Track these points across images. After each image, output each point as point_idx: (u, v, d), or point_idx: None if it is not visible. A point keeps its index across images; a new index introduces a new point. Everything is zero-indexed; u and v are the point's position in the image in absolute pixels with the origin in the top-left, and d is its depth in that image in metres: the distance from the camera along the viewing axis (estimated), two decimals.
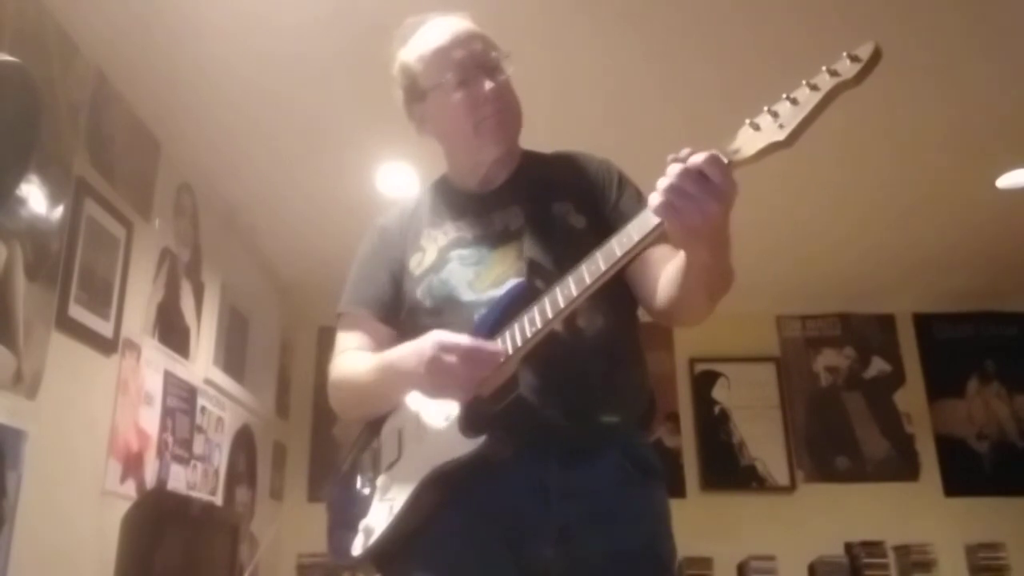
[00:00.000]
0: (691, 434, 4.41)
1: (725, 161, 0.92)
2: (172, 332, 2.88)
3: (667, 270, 1.14)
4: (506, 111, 1.30)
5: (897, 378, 4.51)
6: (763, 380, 4.48)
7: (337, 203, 3.24)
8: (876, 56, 0.85)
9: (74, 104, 2.27)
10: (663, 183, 0.94)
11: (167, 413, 2.79)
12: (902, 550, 4.01)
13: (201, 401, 3.12)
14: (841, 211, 3.48)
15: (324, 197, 3.26)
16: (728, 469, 4.35)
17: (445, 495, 1.13)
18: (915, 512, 4.18)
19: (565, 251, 1.15)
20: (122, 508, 2.37)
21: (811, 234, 3.69)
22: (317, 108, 2.70)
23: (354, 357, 1.30)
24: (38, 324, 2.05)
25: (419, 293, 1.27)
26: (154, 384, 2.72)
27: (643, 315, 1.29)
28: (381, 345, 1.27)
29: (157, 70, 2.46)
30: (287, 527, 4.01)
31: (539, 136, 1.38)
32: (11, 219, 1.95)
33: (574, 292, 1.04)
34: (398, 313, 1.31)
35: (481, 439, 1.08)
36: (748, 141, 0.92)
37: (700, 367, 4.51)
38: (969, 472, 4.32)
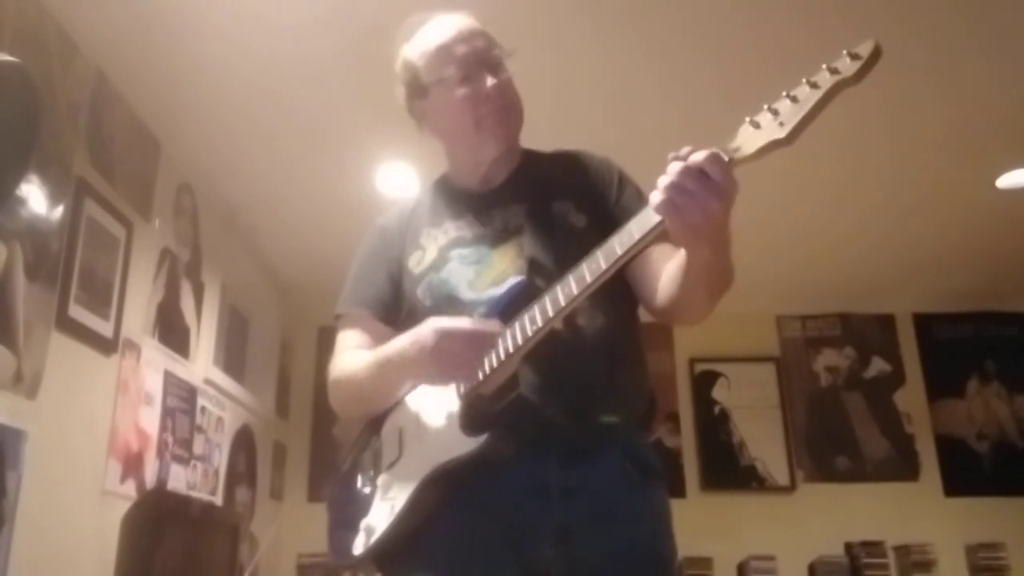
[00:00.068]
0: (691, 434, 4.42)
1: (726, 159, 0.92)
2: (172, 332, 2.88)
3: (668, 269, 1.14)
4: (508, 108, 1.30)
5: (897, 378, 4.51)
6: (763, 380, 4.48)
7: (337, 203, 3.24)
8: (876, 54, 0.85)
9: (74, 104, 2.27)
10: (664, 181, 0.94)
11: (167, 413, 2.79)
12: (902, 550, 4.01)
13: (201, 401, 3.11)
14: (841, 211, 3.48)
15: (324, 197, 3.26)
16: (728, 469, 4.35)
17: (446, 494, 1.13)
18: (915, 512, 4.18)
19: (565, 250, 1.15)
20: (122, 508, 2.37)
21: (811, 233, 3.69)
22: (317, 108, 2.70)
23: (353, 355, 1.30)
24: (38, 324, 2.05)
25: (419, 292, 1.27)
26: (154, 384, 2.72)
27: (643, 314, 1.29)
28: (381, 345, 1.27)
29: (157, 70, 2.46)
30: (287, 527, 4.01)
31: (539, 136, 1.38)
32: (11, 219, 1.95)
33: (575, 290, 1.04)
34: (398, 313, 1.31)
35: (482, 438, 1.08)
36: (748, 139, 0.92)
37: (700, 367, 4.52)
38: (969, 472, 4.32)
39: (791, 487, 4.29)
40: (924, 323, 4.59)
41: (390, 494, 1.17)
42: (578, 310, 1.14)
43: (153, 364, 2.70)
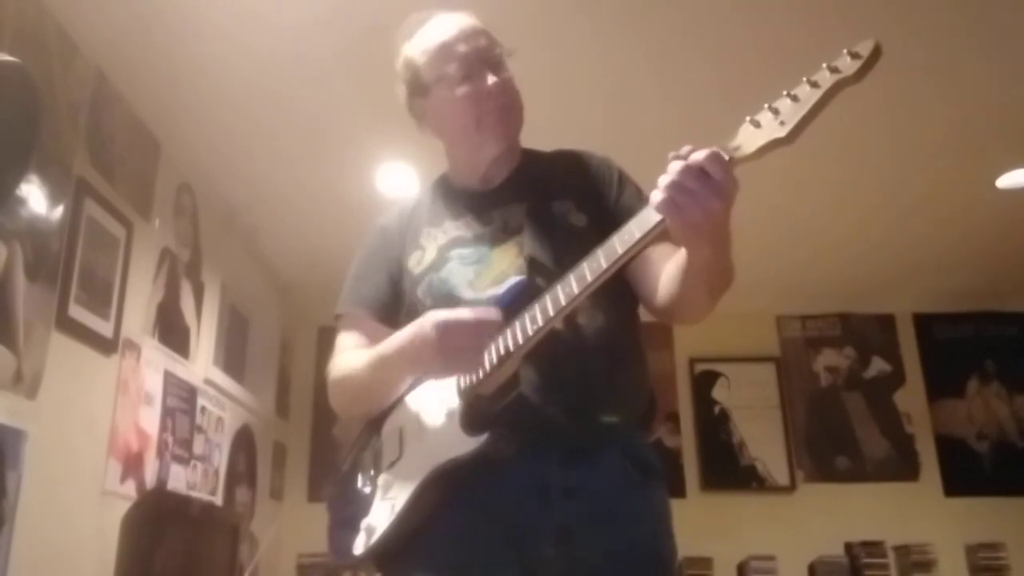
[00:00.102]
0: (691, 434, 4.42)
1: (726, 158, 0.92)
2: (172, 332, 2.88)
3: (668, 268, 1.14)
4: (508, 107, 1.30)
5: (897, 378, 4.52)
6: (763, 380, 4.48)
7: (337, 203, 3.24)
8: (876, 53, 0.86)
9: (74, 104, 2.27)
10: (665, 180, 0.94)
11: (167, 413, 2.79)
12: (902, 550, 4.01)
13: (201, 401, 3.11)
14: (841, 210, 3.48)
15: (324, 197, 3.26)
16: (728, 469, 4.35)
17: (447, 494, 1.12)
18: (915, 512, 4.18)
19: (565, 249, 1.15)
20: (122, 508, 2.37)
21: (811, 233, 3.69)
22: (317, 108, 2.70)
23: (353, 355, 1.29)
24: (38, 324, 2.05)
25: (419, 292, 1.27)
26: (154, 384, 2.72)
27: (644, 314, 1.29)
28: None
29: (157, 70, 2.47)
30: (287, 527, 4.01)
31: (539, 136, 1.38)
32: (11, 219, 1.95)
33: (575, 290, 1.03)
34: (397, 313, 1.31)
35: (483, 437, 1.08)
36: (749, 138, 0.92)
37: (700, 367, 4.52)
38: (969, 472, 4.32)
39: (791, 487, 4.29)
40: (924, 323, 4.59)
41: (390, 494, 1.17)
42: (579, 309, 1.14)
43: (153, 364, 2.70)
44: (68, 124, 2.23)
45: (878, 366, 4.54)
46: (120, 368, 2.46)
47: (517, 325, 1.08)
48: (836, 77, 0.87)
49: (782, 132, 0.89)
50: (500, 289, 1.16)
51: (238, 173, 3.10)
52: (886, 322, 4.61)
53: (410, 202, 1.42)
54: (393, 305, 1.32)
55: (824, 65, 0.88)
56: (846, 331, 4.61)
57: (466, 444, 1.09)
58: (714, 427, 4.43)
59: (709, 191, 0.92)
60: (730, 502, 4.25)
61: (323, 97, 2.64)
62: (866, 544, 4.00)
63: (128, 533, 2.32)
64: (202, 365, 3.14)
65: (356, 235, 1.45)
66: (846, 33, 0.92)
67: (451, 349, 1.07)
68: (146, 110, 2.65)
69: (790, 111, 0.89)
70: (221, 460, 3.33)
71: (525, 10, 2.23)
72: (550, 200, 1.28)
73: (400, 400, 1.24)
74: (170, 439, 2.81)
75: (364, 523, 1.19)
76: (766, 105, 0.91)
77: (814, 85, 0.88)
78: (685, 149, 0.94)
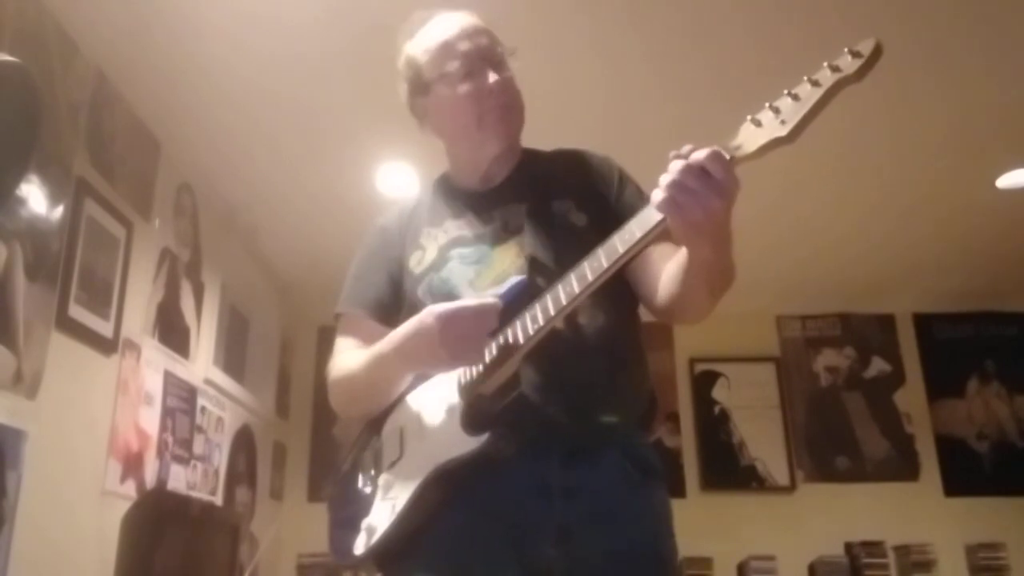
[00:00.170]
0: (691, 434, 4.42)
1: (727, 157, 0.92)
2: (172, 332, 2.88)
3: (668, 267, 1.14)
4: (510, 106, 1.30)
5: (897, 378, 4.52)
6: (763, 380, 4.48)
7: (337, 203, 3.24)
8: (877, 52, 0.86)
9: (74, 104, 2.27)
10: (666, 179, 0.94)
11: (167, 413, 2.79)
12: (902, 550, 4.01)
13: (201, 401, 3.11)
14: (841, 210, 3.48)
15: (324, 197, 3.26)
16: (728, 469, 4.35)
17: (448, 493, 1.12)
18: (915, 512, 4.18)
19: (566, 249, 1.15)
20: (122, 508, 2.37)
21: (811, 232, 3.69)
22: (317, 108, 2.70)
23: (352, 354, 1.29)
24: (38, 324, 2.05)
25: (420, 292, 1.27)
26: (154, 384, 2.71)
27: (644, 314, 1.29)
28: None
29: (157, 70, 2.46)
30: (287, 527, 4.01)
31: (539, 136, 1.38)
32: (11, 219, 1.95)
33: (576, 289, 1.03)
34: (397, 313, 1.30)
35: (483, 437, 1.08)
36: (750, 137, 0.92)
37: (700, 367, 4.52)
38: (969, 472, 4.32)
39: (791, 487, 4.29)
40: (924, 323, 4.59)
41: (391, 494, 1.17)
42: (579, 309, 1.14)
43: (153, 364, 2.70)
44: (68, 124, 2.23)
45: (878, 366, 4.54)
46: (120, 368, 2.46)
47: (518, 324, 1.08)
48: (837, 76, 0.87)
49: (783, 131, 0.89)
50: (501, 288, 1.15)
51: (238, 173, 3.10)
52: (886, 322, 4.61)
53: (410, 202, 1.42)
54: (393, 305, 1.32)
55: (825, 64, 0.88)
56: (846, 331, 4.61)
57: (467, 444, 1.09)
58: (714, 427, 4.43)
59: (710, 190, 0.92)
60: (730, 502, 4.25)
61: (323, 97, 2.64)
62: (866, 544, 4.01)
63: (128, 533, 2.32)
64: (202, 365, 3.14)
65: (356, 235, 1.45)
66: (846, 33, 0.92)
67: (453, 339, 1.07)
68: (146, 110, 2.65)
69: (791, 110, 0.89)
70: (221, 460, 3.33)
71: (525, 10, 2.23)
72: (550, 199, 1.28)
73: (400, 400, 1.23)
74: (170, 439, 2.81)
75: (365, 523, 1.19)
76: (767, 104, 0.91)
77: (815, 84, 0.88)
78: (686, 148, 0.94)
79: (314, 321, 4.34)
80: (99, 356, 2.36)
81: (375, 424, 1.28)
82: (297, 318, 4.40)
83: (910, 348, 4.56)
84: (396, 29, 1.37)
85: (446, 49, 1.29)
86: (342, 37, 2.34)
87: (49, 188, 2.11)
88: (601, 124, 2.74)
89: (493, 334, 1.10)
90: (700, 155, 0.92)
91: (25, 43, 2.01)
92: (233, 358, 3.85)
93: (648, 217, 0.98)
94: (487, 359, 1.09)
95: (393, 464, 1.20)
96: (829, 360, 4.57)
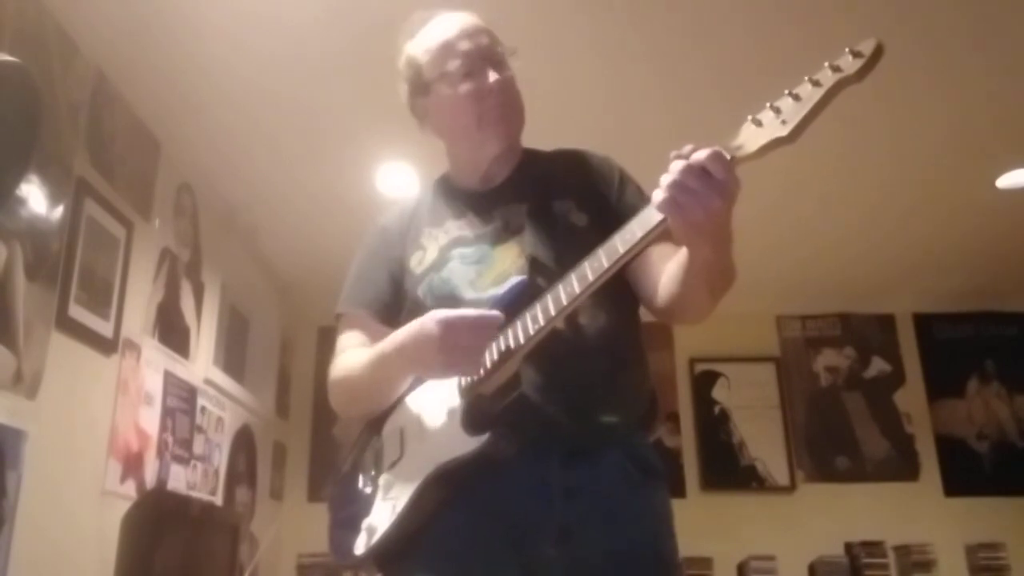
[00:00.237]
0: (691, 434, 4.41)
1: (728, 157, 0.92)
2: (172, 332, 2.88)
3: (669, 267, 1.14)
4: (510, 105, 1.30)
5: (897, 378, 4.52)
6: (763, 380, 4.48)
7: (337, 203, 3.24)
8: (878, 52, 0.85)
9: (74, 104, 2.27)
10: (666, 179, 0.94)
11: (167, 413, 2.79)
12: (902, 550, 4.00)
13: (201, 401, 3.11)
14: (841, 210, 3.48)
15: (324, 197, 3.26)
16: (728, 469, 4.35)
17: (448, 493, 1.12)
18: (915, 512, 4.18)
19: (566, 249, 1.15)
20: (122, 508, 2.37)
21: (811, 233, 3.69)
22: (317, 108, 2.70)
23: (353, 354, 1.29)
24: (38, 324, 2.05)
25: (420, 292, 1.27)
26: (154, 384, 2.71)
27: (644, 314, 1.29)
28: None
29: (157, 70, 2.46)
30: (287, 527, 4.01)
31: (539, 136, 1.38)
32: (11, 219, 1.95)
33: (577, 289, 1.03)
34: (398, 313, 1.30)
35: (484, 437, 1.08)
36: (750, 137, 0.92)
37: (700, 367, 4.52)
38: (969, 472, 4.32)
39: (791, 487, 4.29)
40: (924, 323, 4.59)
41: (391, 494, 1.17)
42: (580, 309, 1.14)
43: (153, 364, 2.70)
44: (68, 124, 2.23)
45: (878, 366, 4.54)
46: (120, 368, 2.46)
47: (518, 324, 1.08)
48: (838, 76, 0.87)
49: (784, 131, 0.89)
50: (501, 289, 1.16)
51: (238, 173, 3.10)
52: (886, 322, 4.61)
53: (411, 202, 1.42)
54: (394, 305, 1.32)
55: (826, 64, 0.88)
56: (846, 331, 4.61)
57: (467, 444, 1.09)
58: (714, 427, 4.43)
59: (711, 190, 0.92)
60: (730, 502, 4.25)
61: (323, 97, 2.64)
62: (866, 544, 4.00)
63: (128, 533, 2.32)
64: (202, 365, 3.14)
65: (356, 235, 1.45)
66: (846, 33, 0.92)
67: (453, 347, 1.06)
68: (146, 110, 2.65)
69: (792, 110, 0.89)
70: (221, 460, 3.33)
71: (525, 10, 2.23)
72: (551, 199, 1.28)
73: (401, 400, 1.23)
74: (170, 439, 2.81)
75: (365, 523, 1.19)
76: (768, 104, 0.91)
77: (816, 84, 0.88)
78: (687, 148, 0.94)
79: (314, 321, 4.34)
80: (99, 356, 2.36)
81: (375, 424, 1.28)
82: (297, 318, 4.40)
83: (910, 348, 4.56)
84: (396, 29, 1.37)
85: (446, 49, 1.29)
86: (342, 37, 2.34)
87: (49, 188, 2.11)
88: (601, 124, 2.74)
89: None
90: (701, 155, 0.92)
91: (25, 43, 2.01)
92: (233, 358, 3.85)
93: (649, 217, 0.98)
94: (487, 361, 1.09)
95: (393, 464, 1.20)
96: (829, 360, 4.57)
